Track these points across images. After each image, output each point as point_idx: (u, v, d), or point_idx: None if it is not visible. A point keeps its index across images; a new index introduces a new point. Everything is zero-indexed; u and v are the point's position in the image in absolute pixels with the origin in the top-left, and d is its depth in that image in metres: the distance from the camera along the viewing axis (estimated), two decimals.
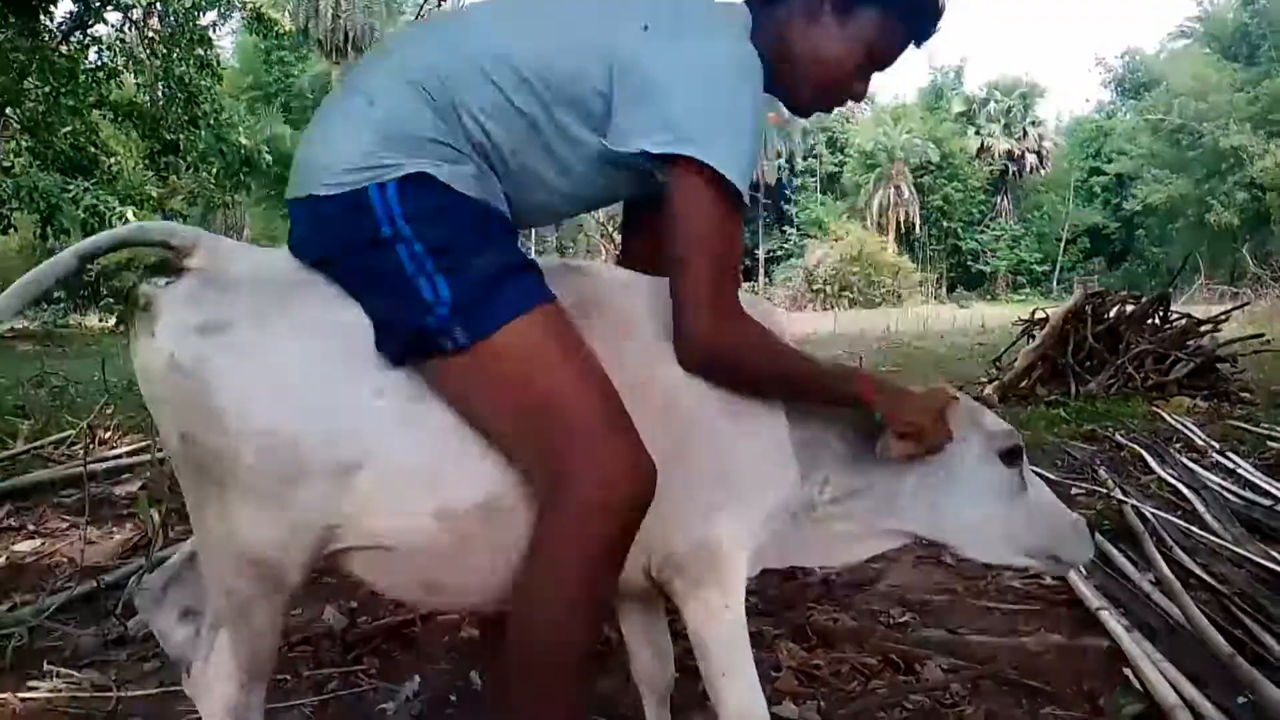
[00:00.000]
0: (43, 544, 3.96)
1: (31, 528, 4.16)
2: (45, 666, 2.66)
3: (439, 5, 5.53)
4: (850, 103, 1.92)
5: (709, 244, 1.52)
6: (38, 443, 5.52)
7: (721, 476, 1.67)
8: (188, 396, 1.45)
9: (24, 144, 21.98)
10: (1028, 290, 57.44)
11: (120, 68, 20.87)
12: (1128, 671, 2.48)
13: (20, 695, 2.56)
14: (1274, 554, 3.37)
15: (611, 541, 1.47)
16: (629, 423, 1.49)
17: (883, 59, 1.75)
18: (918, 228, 58.25)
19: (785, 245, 60.22)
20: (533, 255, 1.71)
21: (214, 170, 22.26)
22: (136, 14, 20.16)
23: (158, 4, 19.84)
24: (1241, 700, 2.28)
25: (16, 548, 3.91)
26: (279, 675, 2.69)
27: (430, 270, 1.46)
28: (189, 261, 1.51)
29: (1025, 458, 1.98)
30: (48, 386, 8.82)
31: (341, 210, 1.49)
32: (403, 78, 1.53)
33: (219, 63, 22.09)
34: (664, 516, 1.56)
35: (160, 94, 21.71)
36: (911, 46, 1.77)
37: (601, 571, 1.49)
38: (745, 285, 56.51)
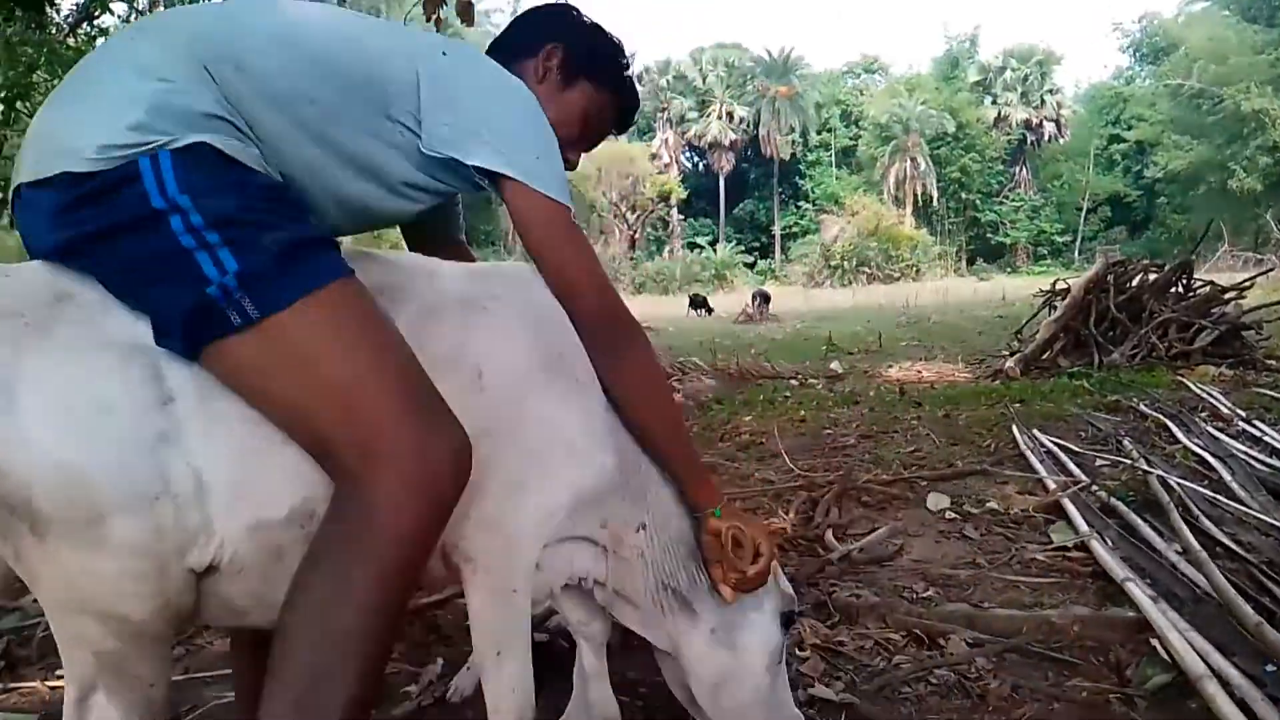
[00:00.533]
0: None
1: None
2: None
3: None
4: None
5: (564, 237, 1.60)
6: None
7: (525, 452, 1.60)
8: None
9: None
10: (1049, 261, 56.98)
11: None
12: (1154, 641, 2.45)
13: (48, 683, 2.62)
14: None
15: (426, 525, 1.33)
16: (440, 397, 1.39)
17: (593, 135, 1.91)
18: (935, 200, 57.80)
19: (801, 221, 59.99)
20: None
21: None
22: (142, 4, 20.19)
23: None
24: (1270, 668, 2.26)
25: None
26: None
27: (212, 243, 1.28)
28: None
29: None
30: None
31: (103, 186, 1.27)
32: (183, 52, 1.37)
33: None
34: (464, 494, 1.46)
35: None
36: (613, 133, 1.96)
37: (416, 559, 1.34)
38: (762, 262, 56.41)
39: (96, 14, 20.74)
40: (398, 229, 1.96)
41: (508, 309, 1.65)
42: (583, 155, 1.96)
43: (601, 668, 2.12)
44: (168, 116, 1.31)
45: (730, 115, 59.77)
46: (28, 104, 20.88)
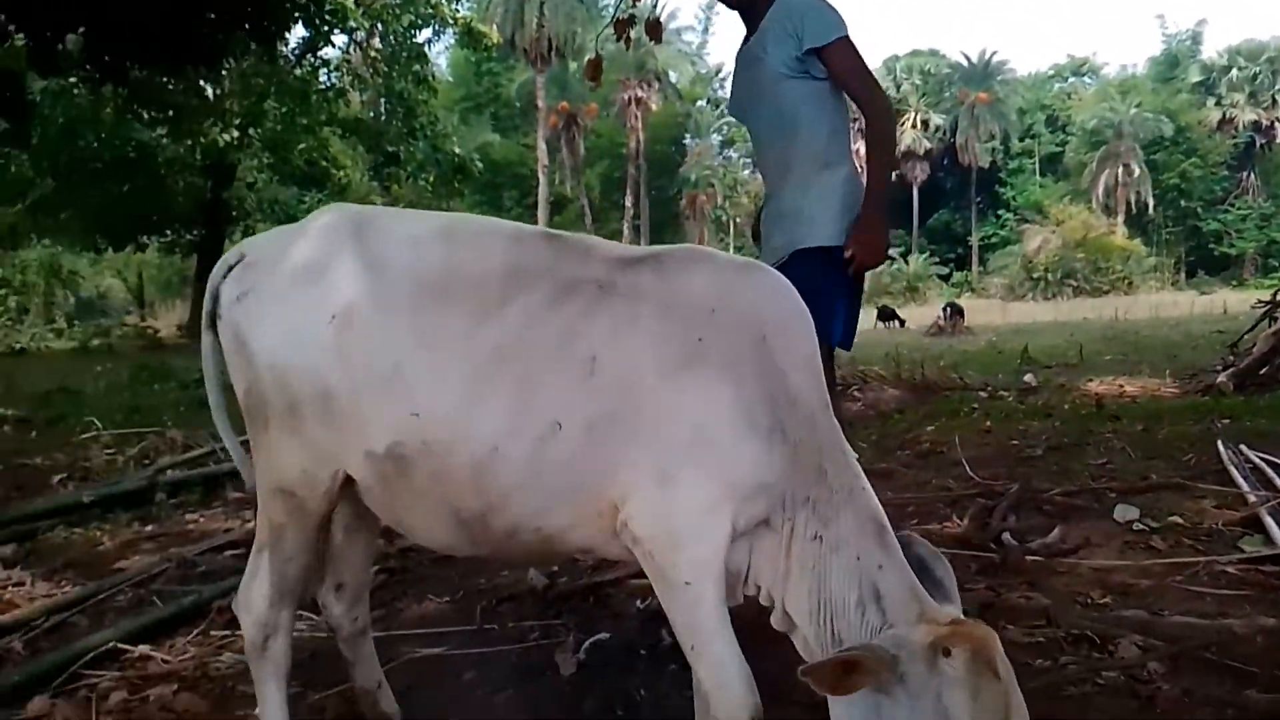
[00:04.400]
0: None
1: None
2: None
3: (633, 5, 5.70)
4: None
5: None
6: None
7: (667, 443, 1.65)
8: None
9: (265, 161, 24.34)
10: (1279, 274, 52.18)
11: (347, 87, 22.72)
12: None
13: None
14: None
15: None
16: None
17: None
18: (1150, 208, 53.99)
19: (1000, 231, 57.45)
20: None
21: (431, 179, 23.86)
22: (360, 36, 21.85)
23: (379, 25, 21.41)
24: None
25: None
26: (486, 625, 2.96)
27: None
28: None
29: None
30: None
31: None
32: None
33: (434, 77, 23.67)
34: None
35: (382, 109, 23.54)
36: None
37: None
38: (958, 274, 54.39)
39: (319, 46, 22.63)
40: None
41: (644, 295, 1.73)
42: None
43: None
44: None
45: (925, 124, 58.03)
46: (259, 130, 22.87)
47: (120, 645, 2.84)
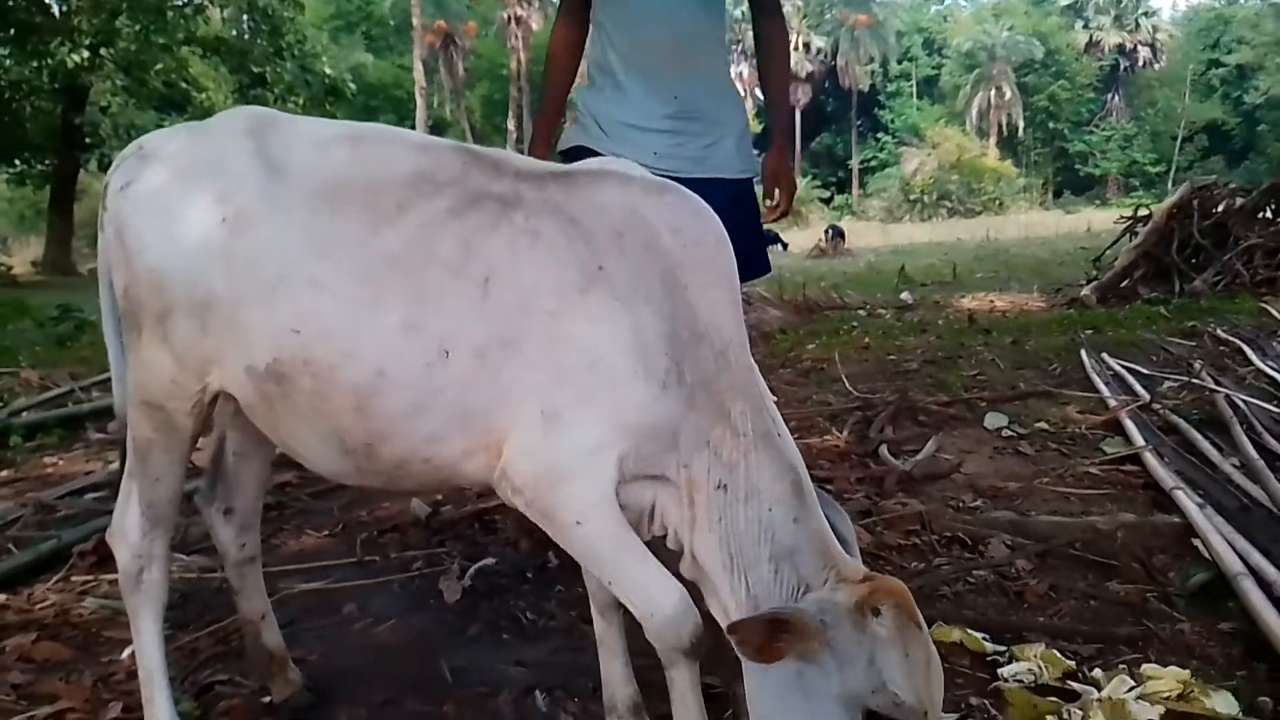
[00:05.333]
0: None
1: None
2: None
3: None
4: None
5: None
6: None
7: (556, 374, 1.52)
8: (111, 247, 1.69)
9: (119, 83, 22.85)
10: (1140, 193, 54.38)
11: (206, 3, 21.36)
12: (1197, 542, 2.46)
13: None
14: None
15: None
16: None
17: None
18: (1021, 130, 55.75)
19: (880, 154, 58.49)
20: None
21: (301, 100, 22.72)
22: None
23: None
24: None
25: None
26: (368, 557, 2.88)
27: None
28: None
29: None
30: None
31: None
32: None
33: None
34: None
35: (245, 27, 22.25)
36: None
37: None
38: (840, 197, 55.41)
39: None
40: None
41: (548, 213, 1.58)
42: None
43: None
44: None
45: (807, 46, 58.25)
46: (112, 49, 21.41)
47: None
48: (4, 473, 4.20)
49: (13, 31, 16.88)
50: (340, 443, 1.59)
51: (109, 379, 1.85)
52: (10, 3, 15.07)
